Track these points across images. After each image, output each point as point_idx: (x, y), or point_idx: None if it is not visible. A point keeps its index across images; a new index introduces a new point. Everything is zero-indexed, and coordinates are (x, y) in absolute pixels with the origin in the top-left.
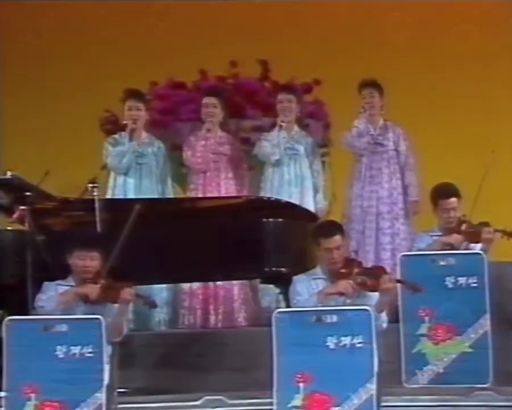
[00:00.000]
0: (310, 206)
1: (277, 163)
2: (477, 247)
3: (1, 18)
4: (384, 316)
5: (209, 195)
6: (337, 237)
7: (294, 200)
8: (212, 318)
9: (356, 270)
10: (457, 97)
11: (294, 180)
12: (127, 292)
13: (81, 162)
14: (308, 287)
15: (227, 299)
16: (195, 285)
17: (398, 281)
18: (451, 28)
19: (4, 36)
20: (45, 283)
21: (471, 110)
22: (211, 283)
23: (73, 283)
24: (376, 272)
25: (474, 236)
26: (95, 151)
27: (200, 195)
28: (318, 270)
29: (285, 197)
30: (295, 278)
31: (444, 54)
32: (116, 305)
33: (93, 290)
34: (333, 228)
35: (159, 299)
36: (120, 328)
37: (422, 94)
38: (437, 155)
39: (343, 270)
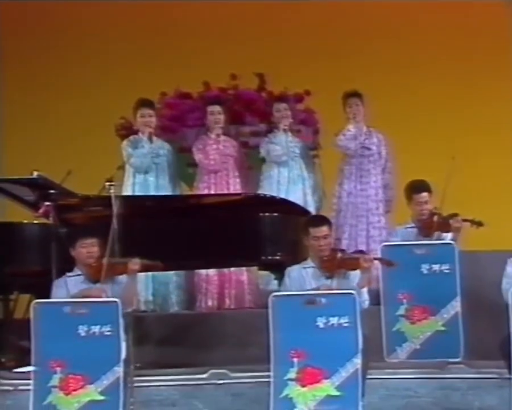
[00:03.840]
0: (310, 203)
1: (285, 164)
2: (448, 237)
3: (24, 23)
4: (365, 295)
5: (219, 192)
6: (325, 228)
7: (298, 198)
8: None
9: (339, 255)
10: (442, 101)
11: (297, 179)
12: (134, 262)
13: (98, 162)
14: (299, 276)
15: (238, 283)
16: (211, 271)
17: (375, 258)
18: (437, 34)
19: (22, 40)
20: (55, 281)
21: (454, 116)
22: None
23: (79, 273)
24: (356, 255)
25: (444, 225)
26: (110, 153)
27: (212, 192)
28: (309, 260)
29: (291, 195)
30: (289, 269)
31: (429, 63)
32: (124, 279)
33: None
34: (321, 219)
35: (171, 283)
36: (131, 299)
37: (405, 102)
38: (414, 156)
39: (328, 258)
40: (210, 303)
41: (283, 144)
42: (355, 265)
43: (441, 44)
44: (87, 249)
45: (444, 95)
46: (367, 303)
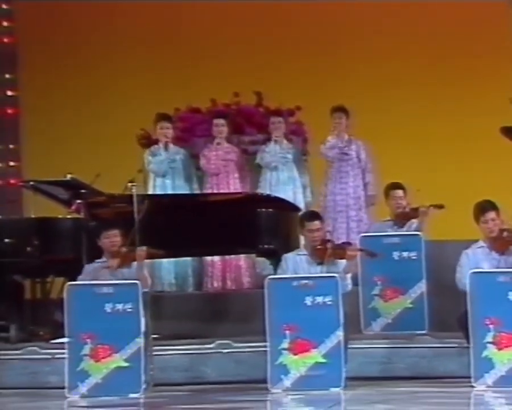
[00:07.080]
0: (301, 201)
1: (275, 168)
2: (414, 225)
3: (59, 42)
4: (349, 279)
5: (221, 191)
6: (317, 222)
7: (288, 196)
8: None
9: (329, 245)
10: (430, 108)
11: (287, 180)
12: (140, 250)
13: (122, 166)
14: (294, 261)
15: (237, 267)
16: (216, 257)
17: (360, 249)
18: (434, 37)
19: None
20: (86, 266)
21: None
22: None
23: (105, 260)
24: (344, 245)
25: (414, 212)
26: (132, 158)
27: (215, 191)
28: (302, 249)
29: (281, 195)
30: (285, 255)
31: (414, 76)
32: (135, 265)
33: (112, 262)
34: (314, 215)
35: (189, 268)
36: (145, 280)
37: (387, 115)
38: (395, 160)
39: (320, 247)
40: (215, 284)
41: (272, 153)
42: (342, 254)
43: (438, 46)
44: (109, 239)
45: (438, 99)
46: (349, 286)
